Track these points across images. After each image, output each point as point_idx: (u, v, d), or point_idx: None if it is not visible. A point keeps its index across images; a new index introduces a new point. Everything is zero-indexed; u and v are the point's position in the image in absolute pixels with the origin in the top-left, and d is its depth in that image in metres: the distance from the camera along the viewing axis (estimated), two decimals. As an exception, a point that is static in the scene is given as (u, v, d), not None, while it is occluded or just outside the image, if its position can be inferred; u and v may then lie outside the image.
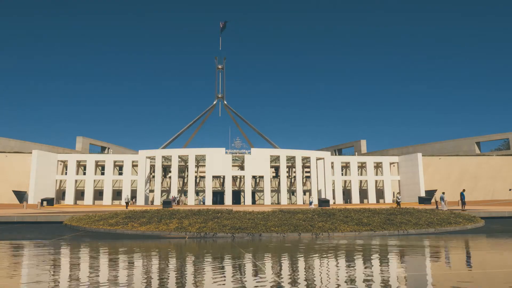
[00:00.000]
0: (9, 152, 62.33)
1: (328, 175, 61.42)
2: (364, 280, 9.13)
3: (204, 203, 57.00)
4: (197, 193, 63.03)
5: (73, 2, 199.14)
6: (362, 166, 68.05)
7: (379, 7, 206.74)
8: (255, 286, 8.59)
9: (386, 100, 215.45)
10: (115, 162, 63.07)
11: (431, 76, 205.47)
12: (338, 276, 9.71)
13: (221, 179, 64.94)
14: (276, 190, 66.16)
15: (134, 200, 58.95)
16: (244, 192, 59.91)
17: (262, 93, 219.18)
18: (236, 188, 65.81)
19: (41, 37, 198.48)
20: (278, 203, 62.45)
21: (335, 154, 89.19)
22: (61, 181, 63.41)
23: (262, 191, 62.28)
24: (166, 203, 41.15)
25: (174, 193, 57.34)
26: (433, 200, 45.26)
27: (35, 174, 56.14)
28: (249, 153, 60.09)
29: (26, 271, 10.70)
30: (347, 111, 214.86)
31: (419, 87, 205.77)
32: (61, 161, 62.72)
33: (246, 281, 9.18)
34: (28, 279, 9.42)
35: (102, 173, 63.65)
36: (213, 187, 61.36)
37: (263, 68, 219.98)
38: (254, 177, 64.36)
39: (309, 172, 63.95)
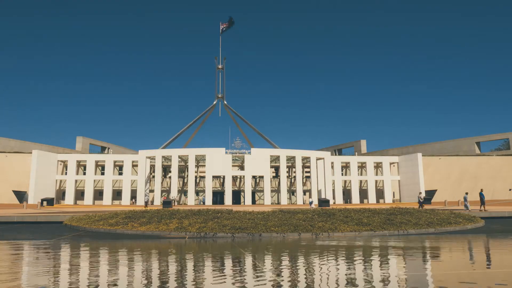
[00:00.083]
0: (9, 152, 62.32)
1: (328, 175, 61.41)
2: (364, 280, 9.13)
3: (204, 203, 56.99)
4: (197, 193, 63.03)
5: (73, 2, 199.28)
6: (362, 166, 68.05)
7: (379, 7, 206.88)
8: (255, 286, 8.59)
9: (386, 100, 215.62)
10: (115, 162, 63.07)
11: (431, 76, 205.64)
12: (338, 276, 9.71)
13: (221, 179, 64.94)
14: (276, 190, 66.16)
15: (151, 200, 58.49)
16: (244, 192, 59.91)
17: (262, 93, 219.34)
18: (236, 188, 65.81)
19: (41, 37, 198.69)
20: (278, 203, 62.45)
21: (335, 154, 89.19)
22: (61, 181, 63.41)
23: (262, 191, 62.28)
24: (166, 203, 41.13)
25: (174, 193, 57.33)
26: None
27: (35, 174, 56.14)
28: (249, 153, 60.09)
29: (26, 271, 10.70)
30: (347, 111, 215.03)
31: (419, 87, 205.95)
32: (61, 161, 62.72)
33: (246, 281, 9.18)
34: (28, 279, 9.42)
35: (102, 173, 63.65)
36: (213, 187, 61.36)
37: (263, 68, 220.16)
38: (254, 177, 64.35)
39: (309, 172, 63.95)
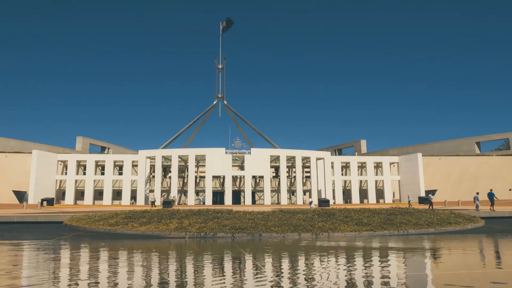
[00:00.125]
0: (9, 152, 62.32)
1: (328, 175, 61.41)
2: (364, 280, 9.13)
3: (204, 203, 56.99)
4: (197, 193, 63.02)
5: (73, 2, 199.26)
6: (362, 166, 68.04)
7: (379, 7, 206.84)
8: (255, 286, 8.59)
9: (386, 100, 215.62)
10: (115, 162, 63.08)
11: (431, 76, 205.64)
12: (338, 276, 9.71)
13: (221, 179, 64.94)
14: (276, 190, 66.16)
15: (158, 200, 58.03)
16: (244, 192, 59.91)
17: (262, 93, 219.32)
18: (236, 188, 65.80)
19: (41, 37, 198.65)
20: (278, 203, 62.44)
21: (335, 154, 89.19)
22: (61, 181, 63.41)
23: (262, 191, 62.27)
24: (166, 203, 41.15)
25: (174, 192, 57.33)
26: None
27: (35, 174, 56.14)
28: (249, 153, 60.08)
29: (26, 271, 10.70)
30: (347, 111, 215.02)
31: (419, 87, 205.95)
32: (61, 161, 62.72)
33: (246, 281, 9.18)
34: (28, 279, 9.42)
35: (102, 173, 63.63)
36: (213, 187, 61.35)
37: (263, 68, 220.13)
38: (254, 177, 64.34)
39: (309, 172, 63.94)
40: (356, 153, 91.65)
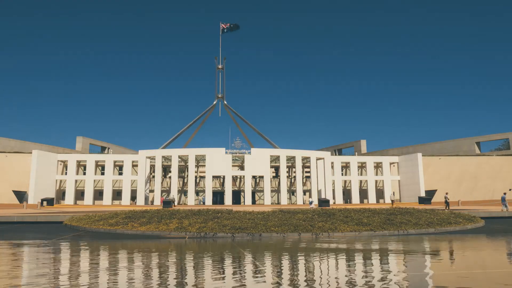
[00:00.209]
0: (9, 152, 62.30)
1: (328, 175, 61.41)
2: (364, 280, 9.13)
3: (204, 203, 56.99)
4: (197, 193, 63.02)
5: (73, 2, 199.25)
6: (362, 166, 68.04)
7: (379, 7, 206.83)
8: (255, 286, 8.59)
9: (386, 100, 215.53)
10: (115, 162, 63.07)
11: (432, 76, 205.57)
12: (338, 276, 9.71)
13: (221, 179, 64.93)
14: (276, 190, 66.16)
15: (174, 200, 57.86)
16: (244, 192, 59.90)
17: (262, 93, 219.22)
18: (236, 188, 65.80)
19: (41, 37, 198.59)
20: (278, 203, 62.44)
21: (335, 154, 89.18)
22: (61, 181, 63.40)
23: (262, 191, 62.26)
24: (166, 203, 41.15)
25: (174, 192, 57.34)
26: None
27: (35, 174, 56.13)
28: (249, 153, 60.08)
29: (26, 271, 10.71)
30: (347, 111, 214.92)
31: (419, 87, 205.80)
32: (61, 161, 62.72)
33: (246, 281, 9.18)
34: (28, 279, 9.42)
35: (102, 173, 63.62)
36: (213, 187, 61.34)
37: (263, 68, 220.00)
38: (254, 177, 64.32)
39: (309, 172, 63.93)
40: (356, 153, 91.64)
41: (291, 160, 64.03)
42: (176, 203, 54.97)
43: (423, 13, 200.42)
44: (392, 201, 49.22)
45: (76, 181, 61.77)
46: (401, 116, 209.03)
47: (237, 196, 64.79)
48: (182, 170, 67.62)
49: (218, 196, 63.96)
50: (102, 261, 12.64)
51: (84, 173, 62.42)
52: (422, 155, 64.27)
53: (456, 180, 64.75)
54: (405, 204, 46.90)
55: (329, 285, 8.66)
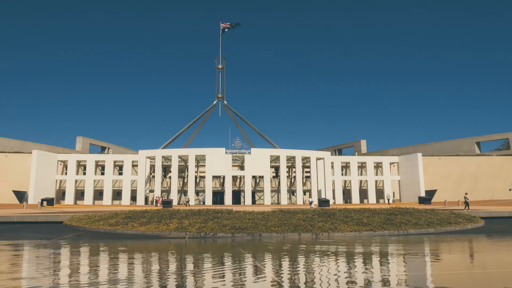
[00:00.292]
0: (9, 152, 62.27)
1: (328, 175, 61.41)
2: (364, 280, 9.13)
3: (204, 203, 56.99)
4: (197, 193, 63.01)
5: (73, 2, 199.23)
6: (362, 166, 68.04)
7: (379, 7, 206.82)
8: (255, 286, 8.59)
9: (386, 100, 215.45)
10: (115, 162, 63.06)
11: (432, 76, 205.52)
12: (338, 276, 9.71)
13: (221, 179, 64.92)
14: (276, 190, 66.15)
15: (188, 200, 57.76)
16: (244, 192, 59.90)
17: (262, 93, 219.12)
18: (236, 188, 65.80)
19: (41, 37, 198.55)
20: (278, 203, 62.44)
21: (335, 154, 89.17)
22: (61, 181, 63.39)
23: (262, 191, 62.26)
24: (166, 203, 41.16)
25: (174, 193, 57.34)
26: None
27: (35, 174, 56.13)
28: (249, 153, 60.07)
29: (26, 271, 10.70)
30: (347, 111, 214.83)
31: (419, 87, 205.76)
32: (61, 161, 62.71)
33: (246, 281, 9.18)
34: (28, 280, 9.42)
35: (102, 173, 63.61)
36: (213, 187, 61.33)
37: (263, 68, 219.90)
38: (254, 177, 64.31)
39: (309, 172, 63.93)
40: (356, 153, 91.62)
41: (291, 160, 64.03)
42: (190, 202, 54.90)
43: (423, 13, 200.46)
44: (388, 200, 49.27)
45: (76, 181, 61.76)
46: (401, 116, 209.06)
47: (237, 196, 64.79)
48: (182, 170, 67.62)
49: (218, 196, 63.96)
50: (102, 261, 12.65)
51: (84, 173, 62.42)
52: (422, 155, 64.26)
53: (456, 180, 64.74)
54: (405, 204, 46.89)
55: (329, 285, 8.66)
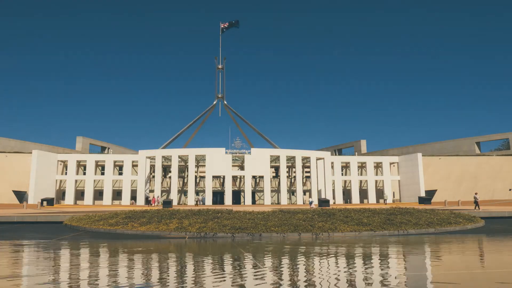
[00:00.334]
0: (9, 152, 62.28)
1: (328, 175, 61.41)
2: (364, 280, 9.13)
3: (203, 203, 56.99)
4: (197, 193, 63.02)
5: (73, 2, 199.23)
6: (362, 166, 68.04)
7: (379, 7, 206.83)
8: (255, 286, 8.59)
9: (386, 100, 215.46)
10: (115, 162, 63.05)
11: (432, 76, 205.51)
12: (338, 276, 9.71)
13: (221, 179, 64.92)
14: (276, 190, 66.15)
15: (201, 200, 57.72)
16: (244, 192, 59.90)
17: (262, 93, 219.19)
18: (236, 188, 65.80)
19: (41, 37, 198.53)
20: (278, 203, 62.44)
21: (335, 154, 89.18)
22: (61, 181, 63.38)
23: (262, 191, 62.26)
24: (166, 203, 41.15)
25: (174, 193, 57.31)
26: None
27: (35, 174, 56.13)
28: (249, 153, 60.07)
29: (26, 271, 10.70)
30: (347, 111, 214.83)
31: (419, 87, 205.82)
32: (61, 161, 62.71)
33: (246, 281, 9.18)
34: (28, 279, 9.42)
35: (102, 173, 63.61)
36: (213, 187, 61.33)
37: (263, 68, 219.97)
38: (254, 177, 64.31)
39: (309, 172, 63.93)
40: (356, 153, 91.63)
41: (291, 160, 64.03)
42: (205, 202, 54.94)
43: (423, 13, 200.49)
44: (385, 200, 49.41)
45: (76, 181, 61.76)
46: (401, 116, 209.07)
47: (237, 196, 64.79)
48: (182, 170, 67.62)
49: (218, 196, 63.96)
50: (102, 261, 12.64)
51: (84, 173, 62.41)
52: (422, 155, 64.27)
53: (456, 180, 64.75)
54: (405, 204, 46.88)
55: (329, 285, 8.66)
